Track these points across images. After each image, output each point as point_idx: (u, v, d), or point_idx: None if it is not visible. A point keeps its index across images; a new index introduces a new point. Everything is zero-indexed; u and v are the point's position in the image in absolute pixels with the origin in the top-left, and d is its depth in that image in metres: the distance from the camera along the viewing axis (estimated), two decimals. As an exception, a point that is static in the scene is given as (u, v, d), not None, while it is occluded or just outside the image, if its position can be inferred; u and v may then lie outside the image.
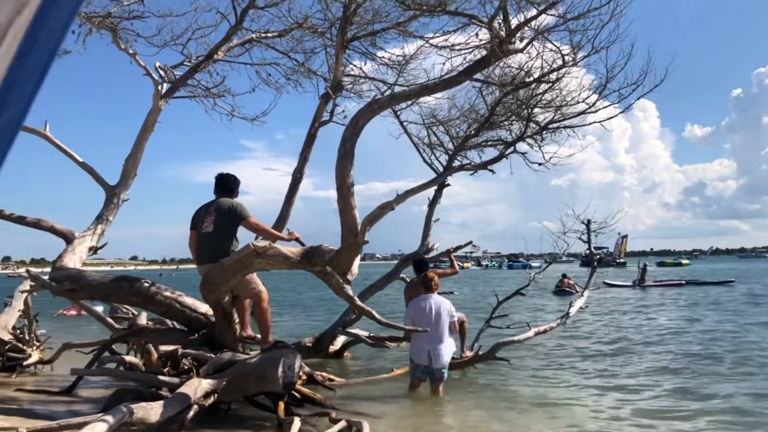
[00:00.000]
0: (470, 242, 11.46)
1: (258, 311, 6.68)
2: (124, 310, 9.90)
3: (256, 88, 9.21)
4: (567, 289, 26.49)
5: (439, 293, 7.67)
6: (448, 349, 7.44)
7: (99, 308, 10.22)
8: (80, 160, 8.77)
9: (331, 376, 7.67)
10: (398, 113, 10.06)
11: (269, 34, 8.84)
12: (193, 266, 6.92)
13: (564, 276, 28.04)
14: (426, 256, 10.25)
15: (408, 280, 10.56)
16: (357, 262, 6.70)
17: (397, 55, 8.79)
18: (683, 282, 35.29)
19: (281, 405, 5.93)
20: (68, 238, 8.06)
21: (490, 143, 10.28)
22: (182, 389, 5.52)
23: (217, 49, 8.41)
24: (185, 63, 8.95)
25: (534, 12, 6.20)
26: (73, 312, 19.50)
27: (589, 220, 9.51)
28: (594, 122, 8.99)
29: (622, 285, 33.46)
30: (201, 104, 9.26)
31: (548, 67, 7.64)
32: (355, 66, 9.20)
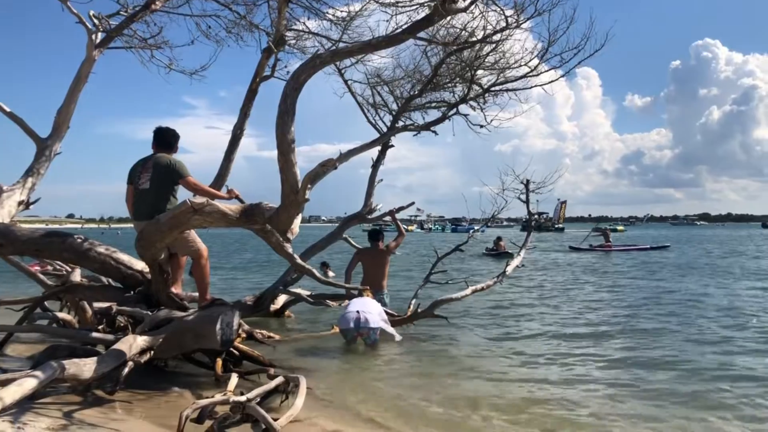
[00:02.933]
0: (413, 203, 11.56)
1: (197, 268, 6.61)
2: (57, 267, 9.63)
3: (196, 40, 8.92)
4: (503, 251, 27.23)
5: None
6: (375, 308, 7.71)
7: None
8: (7, 110, 8.35)
9: (271, 334, 7.69)
10: (342, 72, 9.95)
11: (210, -16, 8.54)
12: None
13: (499, 239, 28.80)
14: (369, 216, 10.30)
15: (351, 241, 10.63)
16: (298, 221, 6.67)
17: (341, 11, 8.66)
18: (626, 248, 36.54)
19: (219, 362, 5.91)
20: (-5, 192, 7.72)
21: (434, 104, 10.30)
22: (117, 346, 5.42)
23: (155, -2, 8.07)
24: (121, 12, 8.55)
25: (478, -29, 6.17)
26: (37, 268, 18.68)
27: (528, 180, 9.68)
28: (536, 86, 9.08)
29: (586, 249, 34.47)
30: (137, 56, 8.92)
31: (492, 29, 7.66)
32: (299, 21, 9.02)
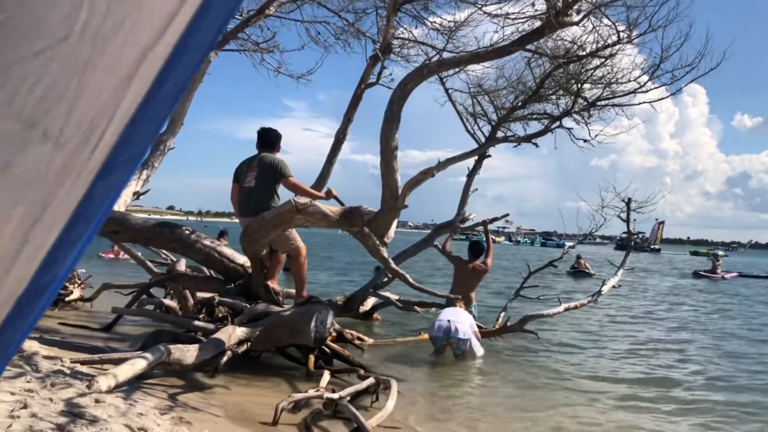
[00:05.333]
0: (507, 214, 11.42)
1: (295, 265, 6.82)
2: (164, 256, 10.17)
3: (305, 45, 9.23)
4: (582, 269, 26.22)
5: None
6: (467, 319, 7.65)
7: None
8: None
9: (360, 335, 7.81)
10: (444, 80, 9.98)
11: (322, -8, 8.82)
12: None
13: (579, 257, 27.58)
14: (461, 225, 10.26)
15: (441, 246, 10.62)
16: (394, 226, 6.77)
17: (448, 21, 8.70)
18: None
19: (311, 358, 6.10)
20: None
21: (535, 116, 10.14)
22: (217, 335, 5.70)
23: (269, 4, 8.42)
24: (236, 16, 8.98)
25: (593, -16, 6.07)
26: (111, 255, 20.06)
27: (630, 199, 9.36)
28: (643, 102, 8.80)
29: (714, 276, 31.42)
30: (250, 58, 9.34)
31: (602, 43, 7.49)
32: (405, 29, 9.14)
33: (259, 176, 6.59)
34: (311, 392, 4.80)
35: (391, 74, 8.44)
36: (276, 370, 6.32)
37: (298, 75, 9.54)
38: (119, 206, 7.95)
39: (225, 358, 5.59)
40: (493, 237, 10.78)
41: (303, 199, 6.08)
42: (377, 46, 8.27)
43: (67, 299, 9.33)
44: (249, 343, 6.01)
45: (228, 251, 7.58)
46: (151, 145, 0.66)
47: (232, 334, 5.84)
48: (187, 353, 5.17)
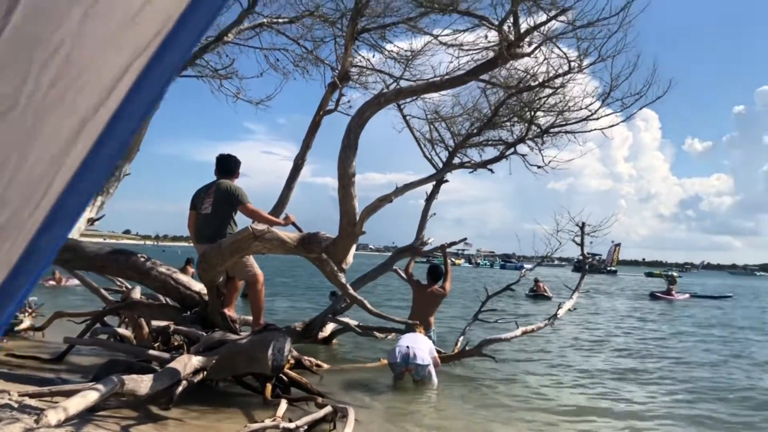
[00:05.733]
0: (465, 239, 11.54)
1: (253, 292, 6.78)
2: (118, 284, 9.99)
3: (264, 72, 9.29)
4: (541, 293, 26.71)
5: None
6: (426, 345, 7.68)
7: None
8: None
9: (319, 362, 7.78)
10: (402, 107, 10.13)
11: (280, 20, 8.90)
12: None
13: (536, 280, 28.06)
14: (420, 249, 10.32)
15: (403, 270, 10.66)
16: (352, 251, 6.80)
17: (405, 50, 8.88)
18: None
19: (269, 387, 6.04)
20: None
21: (491, 143, 10.36)
22: (173, 364, 5.61)
23: (228, 31, 8.46)
24: (194, 43, 9.00)
25: (544, 17, 6.28)
26: (52, 282, 19.30)
27: (583, 223, 9.61)
28: (595, 129, 9.09)
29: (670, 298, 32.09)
30: (208, 84, 9.34)
31: (554, 72, 7.73)
32: (362, 57, 9.28)
33: (216, 203, 6.56)
34: (268, 422, 4.76)
35: (349, 101, 8.55)
36: (233, 400, 6.25)
37: (257, 101, 9.58)
38: (73, 233, 7.80)
39: (180, 388, 5.50)
40: (453, 260, 10.89)
41: (260, 226, 6.07)
42: (336, 73, 8.37)
43: (17, 329, 9.07)
44: (205, 372, 5.93)
45: (184, 278, 7.50)
46: (92, 198, 0.69)
47: (188, 363, 5.76)
48: (141, 383, 5.08)
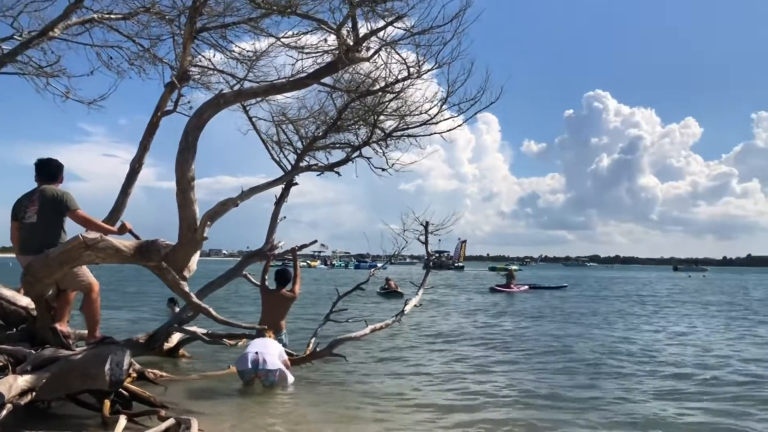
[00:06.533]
0: (315, 241, 11.57)
1: (87, 304, 6.38)
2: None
3: (96, 70, 8.73)
4: (393, 289, 28.12)
5: None
6: (275, 350, 7.67)
7: None
8: None
9: (164, 374, 7.47)
10: (247, 108, 9.97)
11: (113, 16, 8.40)
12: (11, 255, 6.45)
13: (387, 278, 29.80)
14: (270, 254, 10.23)
15: (252, 279, 10.49)
16: (195, 258, 6.59)
17: (247, 51, 8.74)
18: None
19: (107, 403, 5.71)
20: None
21: (337, 146, 10.48)
22: (-6, 388, 5.15)
23: (54, 26, 7.84)
24: (15, 37, 8.27)
25: (382, 23, 6.46)
26: None
27: (427, 222, 10.03)
28: (435, 133, 9.48)
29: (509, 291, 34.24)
30: (31, 83, 8.62)
31: (394, 78, 7.98)
32: (204, 57, 9.00)
33: (42, 211, 6.08)
34: (104, 441, 4.51)
35: (189, 101, 8.25)
36: (67, 421, 5.82)
37: (90, 101, 8.98)
38: None
39: (5, 412, 5.07)
40: (308, 261, 10.94)
41: (93, 234, 5.72)
42: (174, 73, 8.07)
43: None
44: (34, 393, 5.50)
45: (8, 292, 6.89)
46: None
47: (13, 384, 5.32)
48: (-45, 412, 4.61)
